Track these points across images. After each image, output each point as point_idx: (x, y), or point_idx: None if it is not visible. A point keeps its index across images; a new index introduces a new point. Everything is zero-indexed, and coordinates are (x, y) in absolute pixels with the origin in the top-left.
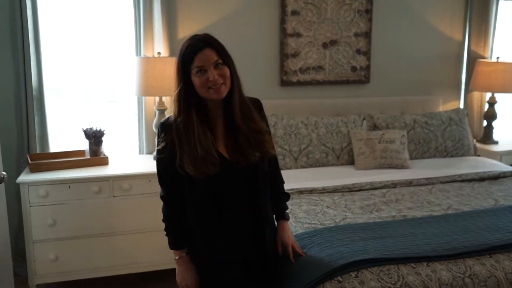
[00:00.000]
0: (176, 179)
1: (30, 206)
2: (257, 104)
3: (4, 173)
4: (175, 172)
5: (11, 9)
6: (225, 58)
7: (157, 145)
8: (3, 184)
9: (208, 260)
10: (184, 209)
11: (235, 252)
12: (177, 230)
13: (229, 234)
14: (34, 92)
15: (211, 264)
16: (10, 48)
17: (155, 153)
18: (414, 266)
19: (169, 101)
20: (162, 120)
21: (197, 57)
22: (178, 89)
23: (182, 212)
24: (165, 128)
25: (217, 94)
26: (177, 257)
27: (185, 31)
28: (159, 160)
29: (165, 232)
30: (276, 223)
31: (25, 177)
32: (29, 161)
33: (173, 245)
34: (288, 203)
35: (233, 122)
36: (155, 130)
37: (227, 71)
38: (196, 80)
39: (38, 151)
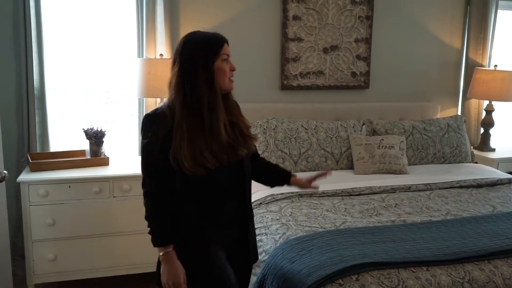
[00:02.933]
0: (166, 174)
1: (30, 205)
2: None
3: (5, 171)
4: (168, 166)
5: (14, 9)
6: None
7: (146, 138)
8: (3, 183)
9: (201, 250)
10: (171, 203)
11: (221, 245)
12: (162, 225)
13: (215, 229)
14: (35, 92)
15: (200, 256)
16: (12, 47)
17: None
18: (414, 270)
19: None
20: (150, 112)
21: (225, 46)
22: (206, 71)
23: (169, 207)
24: (155, 120)
25: (231, 85)
26: (162, 253)
27: None
28: (149, 154)
29: (148, 230)
30: (287, 180)
31: (25, 176)
32: (30, 160)
33: (159, 241)
34: (288, 206)
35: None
36: None
37: None
38: (221, 66)
39: (38, 151)
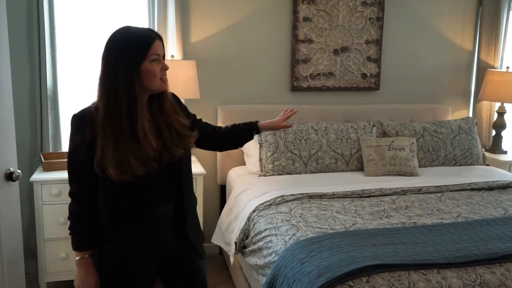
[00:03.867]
0: (92, 177)
1: (43, 204)
2: (174, 97)
3: (19, 171)
4: (92, 170)
5: (28, 11)
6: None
7: (72, 140)
8: (17, 182)
9: (122, 259)
10: (97, 207)
11: (155, 248)
12: (85, 229)
13: (150, 230)
14: (48, 92)
15: (125, 263)
16: (26, 48)
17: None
18: (425, 272)
19: None
20: (77, 112)
21: (155, 44)
22: (129, 74)
23: (94, 210)
24: (82, 121)
25: (165, 85)
26: (78, 258)
27: (198, 35)
28: (74, 157)
29: (69, 231)
30: (255, 130)
31: (38, 176)
32: (42, 160)
33: (78, 245)
34: (298, 207)
35: (158, 118)
36: None
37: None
38: (150, 68)
39: (51, 150)
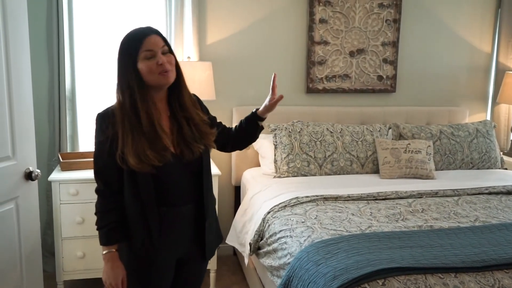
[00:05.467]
0: (117, 174)
1: (61, 203)
2: (195, 97)
3: (38, 170)
4: (117, 166)
5: (48, 14)
6: (170, 47)
7: (97, 138)
8: (36, 181)
9: (145, 255)
10: (122, 202)
11: (177, 245)
12: (110, 224)
13: (172, 228)
14: (67, 93)
15: (147, 259)
16: (46, 50)
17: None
18: (442, 276)
19: None
20: (101, 111)
21: (146, 41)
22: (128, 74)
23: (118, 206)
24: (105, 119)
25: (166, 79)
26: (105, 252)
27: (214, 37)
28: (98, 155)
29: (96, 226)
30: (257, 122)
31: (56, 175)
32: (61, 160)
33: (104, 240)
34: (313, 209)
35: (178, 114)
36: None
37: (173, 59)
38: (144, 65)
39: (68, 150)
